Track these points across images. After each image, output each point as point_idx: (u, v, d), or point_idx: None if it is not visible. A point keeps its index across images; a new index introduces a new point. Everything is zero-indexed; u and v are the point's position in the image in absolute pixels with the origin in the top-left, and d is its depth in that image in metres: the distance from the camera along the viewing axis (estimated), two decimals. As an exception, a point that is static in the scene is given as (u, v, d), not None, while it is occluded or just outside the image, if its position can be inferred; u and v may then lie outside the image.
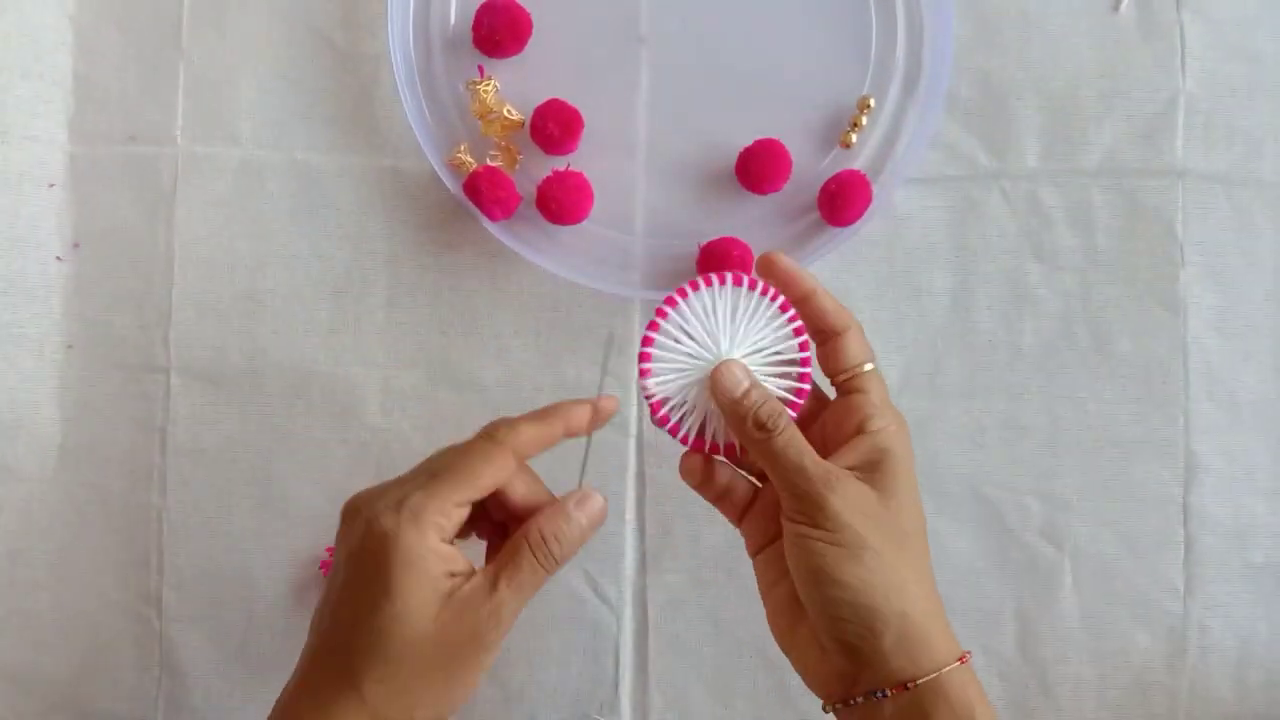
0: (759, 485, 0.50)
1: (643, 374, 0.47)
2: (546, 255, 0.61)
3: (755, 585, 0.50)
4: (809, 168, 0.62)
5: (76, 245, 0.62)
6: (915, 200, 0.62)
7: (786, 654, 0.48)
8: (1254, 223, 0.62)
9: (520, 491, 0.47)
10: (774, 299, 0.48)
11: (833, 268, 0.62)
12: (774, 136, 0.61)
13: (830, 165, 0.62)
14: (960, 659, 0.44)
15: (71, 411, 0.62)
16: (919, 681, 0.43)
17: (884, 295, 0.62)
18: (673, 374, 0.48)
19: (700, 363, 0.47)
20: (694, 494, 0.51)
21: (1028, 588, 0.62)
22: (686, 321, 0.47)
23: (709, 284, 0.47)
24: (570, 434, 0.47)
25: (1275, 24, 0.63)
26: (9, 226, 0.61)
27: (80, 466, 0.62)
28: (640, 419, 0.62)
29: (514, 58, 0.62)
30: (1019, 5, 0.62)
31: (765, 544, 0.49)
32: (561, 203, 0.60)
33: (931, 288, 0.62)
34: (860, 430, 0.47)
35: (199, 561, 0.62)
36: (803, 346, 0.48)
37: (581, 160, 0.62)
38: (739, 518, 0.50)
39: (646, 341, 0.47)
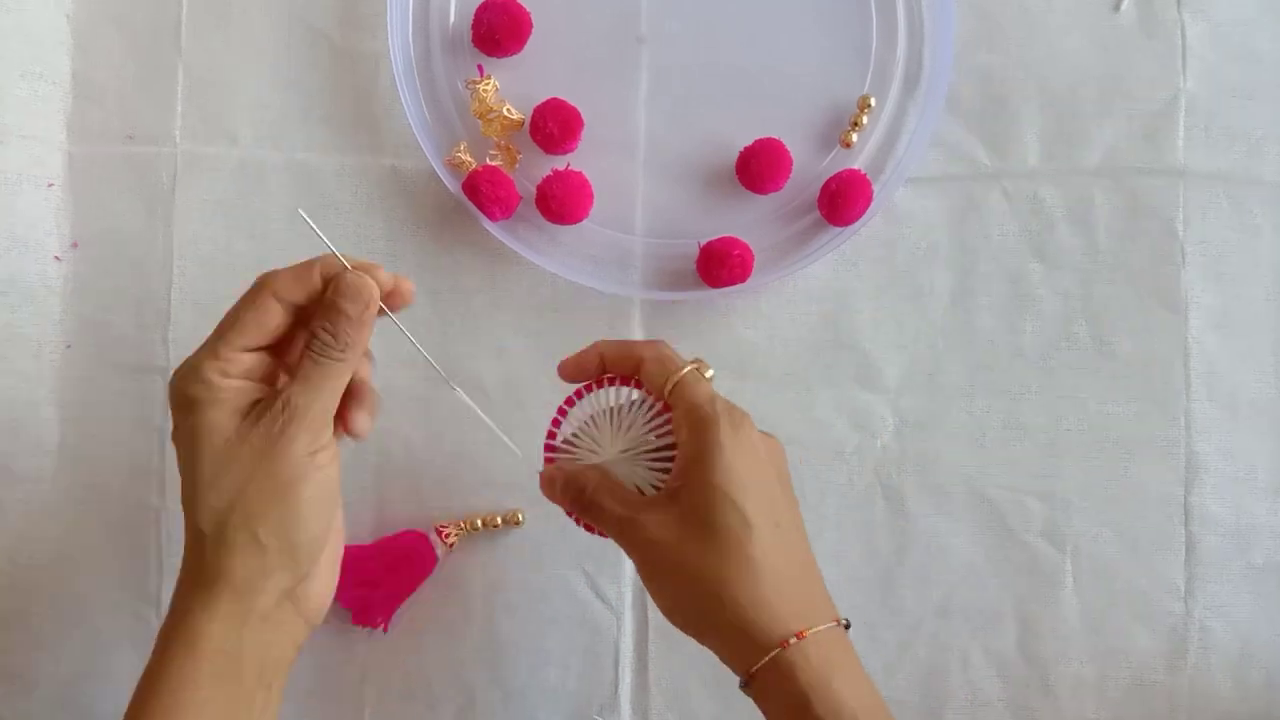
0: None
1: (546, 461, 0.52)
2: (546, 255, 0.61)
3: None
4: (809, 167, 0.62)
5: (75, 245, 0.62)
6: (916, 200, 0.62)
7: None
8: (1255, 222, 0.62)
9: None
10: (611, 383, 0.51)
11: (833, 268, 0.62)
12: (774, 136, 0.61)
13: (831, 165, 0.62)
14: (782, 643, 0.45)
15: (70, 411, 0.62)
16: (753, 670, 0.46)
17: (884, 295, 0.62)
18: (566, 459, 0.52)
19: (590, 455, 0.51)
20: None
21: (1028, 588, 0.62)
22: (577, 426, 0.52)
23: (594, 388, 0.51)
24: (325, 274, 0.47)
25: (1275, 24, 0.63)
26: (8, 226, 0.61)
27: (79, 467, 0.62)
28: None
29: (514, 57, 0.62)
30: (1020, 4, 0.62)
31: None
32: (561, 202, 0.60)
33: (932, 287, 0.62)
34: (679, 443, 0.49)
35: (198, 562, 0.62)
36: (664, 408, 0.50)
37: (581, 160, 0.62)
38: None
39: (551, 436, 0.52)
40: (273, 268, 0.63)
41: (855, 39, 0.62)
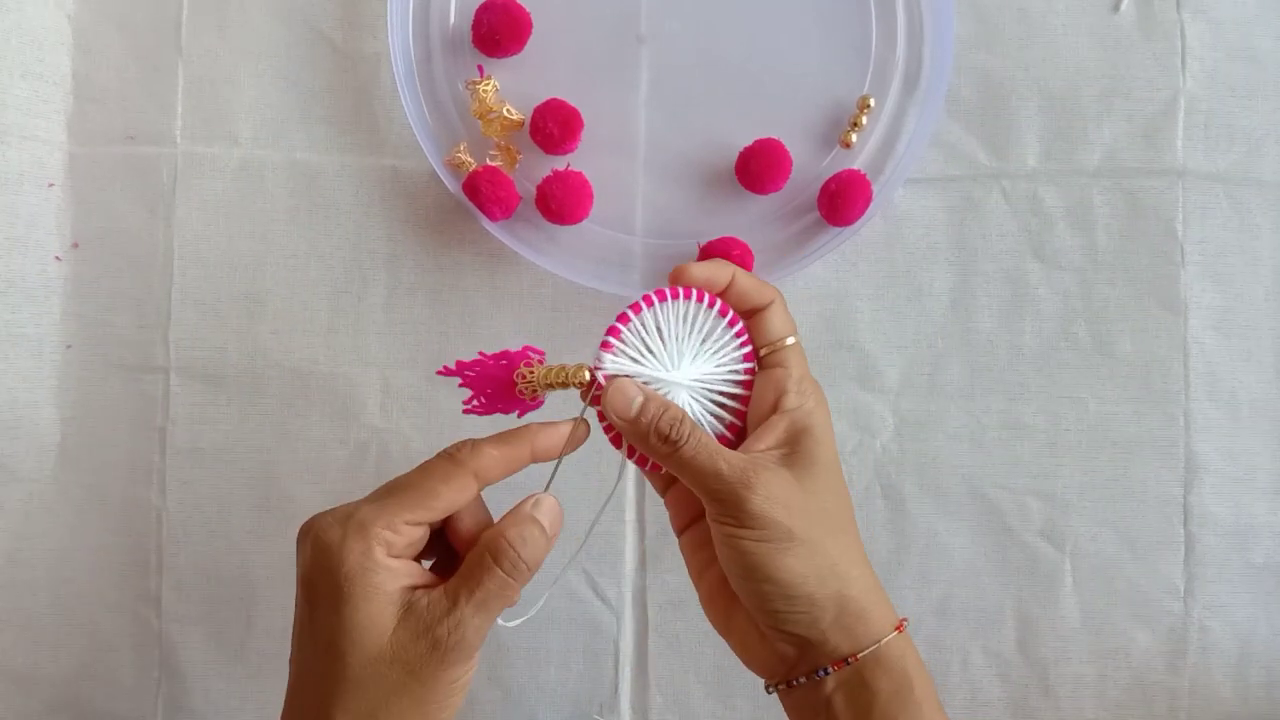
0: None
1: (605, 346, 0.46)
2: (546, 255, 0.61)
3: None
4: (809, 167, 0.62)
5: (76, 245, 0.62)
6: (915, 200, 0.62)
7: (724, 638, 0.48)
8: (1254, 222, 0.62)
9: (467, 521, 0.45)
10: (724, 314, 0.48)
11: (833, 268, 0.62)
12: (774, 136, 0.61)
13: (830, 165, 0.62)
14: (897, 627, 0.45)
15: (71, 411, 0.62)
16: (859, 655, 0.44)
17: (884, 295, 0.62)
18: (629, 368, 0.47)
19: (653, 372, 0.47)
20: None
21: (1028, 588, 0.62)
22: (648, 331, 0.47)
23: (675, 297, 0.47)
24: (538, 459, 0.45)
25: (1275, 24, 0.63)
26: (8, 226, 0.61)
27: (80, 466, 0.62)
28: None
29: (514, 57, 0.62)
30: (1019, 5, 0.62)
31: (688, 524, 0.49)
32: (561, 202, 0.60)
33: (931, 288, 0.62)
34: (777, 407, 0.46)
35: (199, 561, 0.62)
36: (748, 357, 0.49)
37: (581, 160, 0.62)
38: (664, 489, 0.50)
39: (613, 332, 0.46)
40: (272, 268, 0.63)
41: (855, 39, 0.62)
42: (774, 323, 0.48)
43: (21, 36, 0.61)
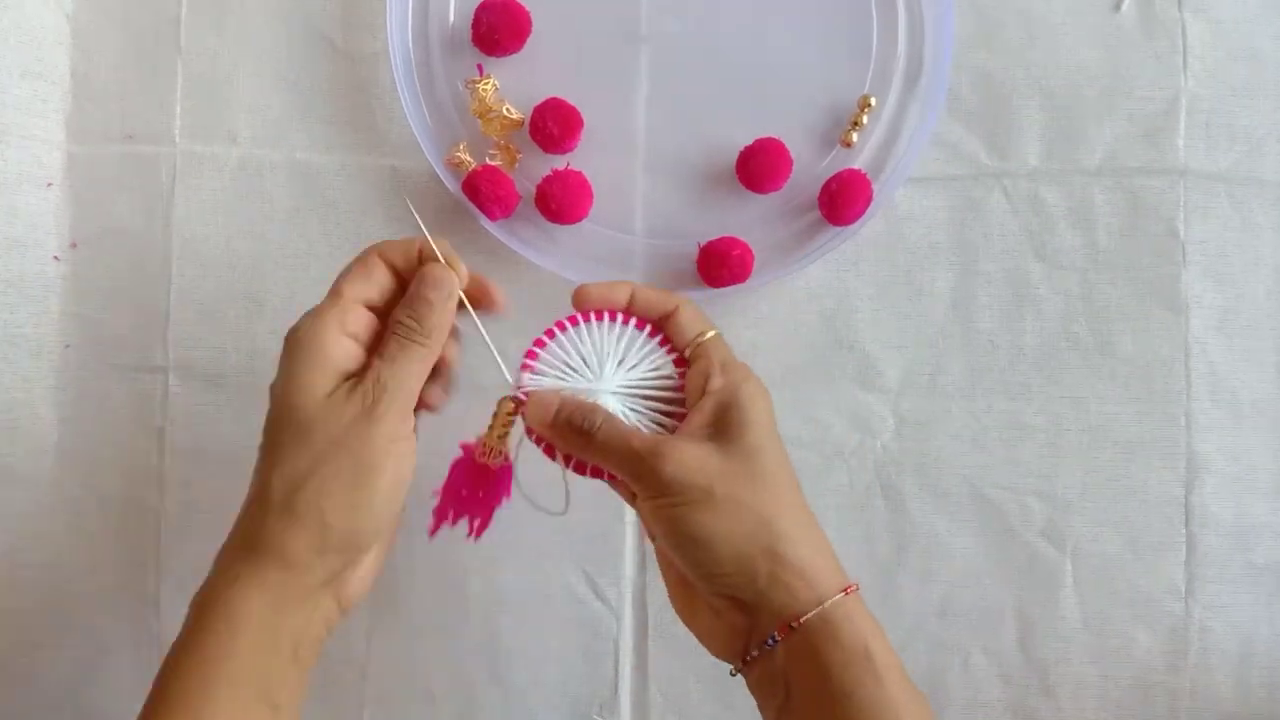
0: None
1: (524, 368, 0.49)
2: (546, 255, 0.61)
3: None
4: (809, 167, 0.62)
5: (74, 245, 0.62)
6: (916, 200, 0.62)
7: (690, 629, 0.49)
8: (1256, 222, 0.62)
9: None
10: (640, 326, 0.50)
11: (833, 267, 0.62)
12: (774, 136, 0.61)
13: (831, 164, 0.62)
14: (845, 590, 0.45)
15: (69, 411, 0.62)
16: (803, 619, 0.43)
17: (884, 295, 0.62)
18: (552, 384, 0.49)
19: (576, 384, 0.49)
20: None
21: (1028, 588, 0.62)
22: (567, 353, 0.49)
23: (586, 320, 0.50)
24: (421, 255, 0.48)
25: (1276, 24, 0.63)
26: (7, 226, 0.61)
27: (78, 467, 0.62)
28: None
29: (513, 56, 0.62)
30: (1020, 4, 0.62)
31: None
32: (561, 202, 0.60)
33: (932, 287, 0.62)
34: (703, 392, 0.48)
35: (198, 561, 0.61)
36: (677, 362, 0.50)
37: (581, 160, 0.62)
38: (630, 497, 0.50)
39: (531, 355, 0.49)
40: (271, 268, 0.63)
41: (855, 39, 0.62)
42: (686, 323, 0.50)
43: (20, 36, 0.61)
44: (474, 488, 0.51)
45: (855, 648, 0.43)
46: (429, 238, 0.48)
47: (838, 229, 0.61)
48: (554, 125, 0.60)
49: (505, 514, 0.61)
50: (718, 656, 0.48)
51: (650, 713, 0.62)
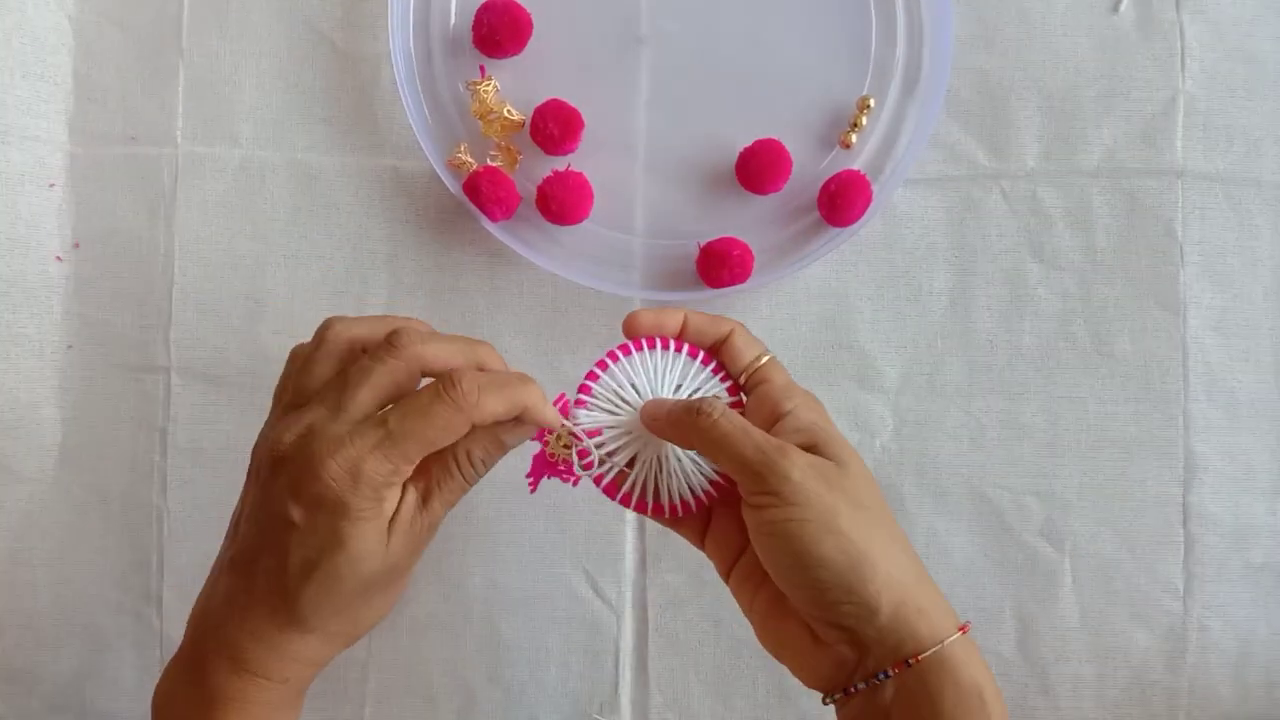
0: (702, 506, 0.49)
1: (579, 404, 0.48)
2: (546, 255, 0.61)
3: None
4: (809, 168, 0.62)
5: (76, 245, 0.62)
6: (915, 200, 0.63)
7: (780, 660, 0.46)
8: (1253, 223, 0.62)
9: None
10: (693, 355, 0.49)
11: (833, 268, 0.62)
12: (774, 136, 0.61)
13: (830, 165, 0.62)
14: (961, 628, 0.43)
15: (71, 411, 0.62)
16: (921, 656, 0.41)
17: (884, 295, 0.63)
18: (606, 419, 0.48)
19: (633, 418, 0.48)
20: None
21: (1028, 588, 0.62)
22: (621, 385, 0.48)
23: (639, 349, 0.49)
24: (530, 420, 0.45)
25: (1275, 24, 0.63)
26: (9, 226, 0.61)
27: (80, 466, 0.62)
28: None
29: (514, 58, 0.62)
30: (1019, 5, 0.62)
31: (734, 560, 0.48)
32: (561, 203, 0.60)
33: (931, 288, 0.63)
34: (776, 415, 0.46)
35: (199, 561, 0.61)
36: (731, 390, 0.49)
37: (581, 160, 0.62)
38: (700, 540, 0.49)
39: (584, 390, 0.48)
40: (273, 268, 0.63)
41: (855, 40, 0.62)
42: (741, 348, 0.49)
43: (23, 37, 0.61)
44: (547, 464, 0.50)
45: (970, 689, 0.41)
46: (569, 426, 0.47)
47: (837, 230, 0.61)
48: (554, 126, 0.60)
49: (505, 514, 0.62)
50: (811, 686, 0.45)
51: (650, 713, 0.62)
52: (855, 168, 0.61)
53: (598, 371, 0.49)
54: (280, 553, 0.43)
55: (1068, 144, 0.62)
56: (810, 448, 0.45)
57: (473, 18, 0.61)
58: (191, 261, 0.62)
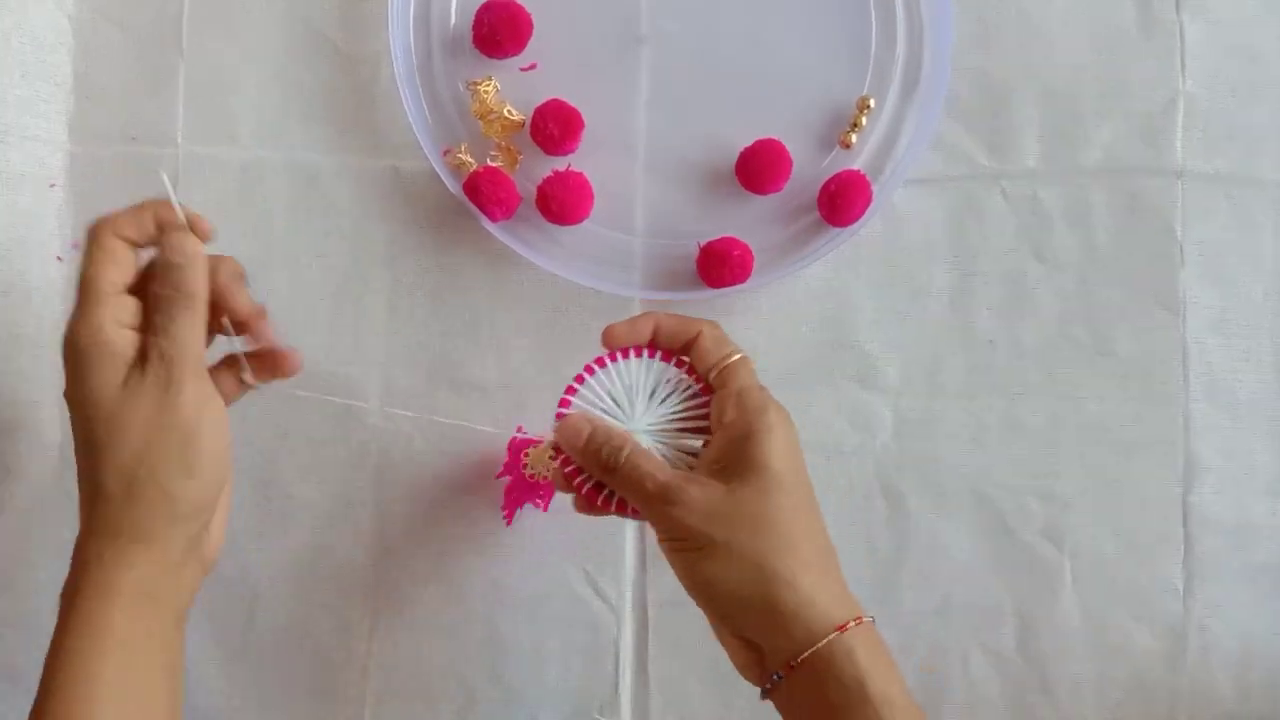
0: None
1: (560, 416, 0.50)
2: (546, 255, 0.61)
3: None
4: (809, 168, 0.62)
5: (76, 245, 0.62)
6: (915, 200, 0.63)
7: (726, 654, 0.49)
8: (1254, 222, 0.62)
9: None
10: (666, 359, 0.51)
11: (833, 268, 0.62)
12: (774, 136, 0.61)
13: (830, 165, 0.62)
14: (840, 628, 0.45)
15: (72, 411, 0.62)
16: (799, 659, 0.45)
17: (884, 295, 0.63)
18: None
19: (612, 422, 0.50)
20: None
21: (1028, 587, 0.62)
22: (599, 397, 0.50)
23: (613, 360, 0.51)
24: (159, 221, 0.48)
25: (1275, 24, 0.63)
26: (9, 226, 0.61)
27: (80, 466, 0.62)
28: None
29: (514, 58, 0.62)
30: (1018, 5, 0.62)
31: None
32: (562, 203, 0.60)
33: (931, 288, 0.63)
34: (720, 423, 0.48)
35: (199, 561, 0.62)
36: (704, 390, 0.50)
37: (581, 160, 0.62)
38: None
39: (564, 404, 0.50)
40: (273, 268, 0.63)
41: (855, 40, 0.62)
42: (708, 348, 0.50)
43: (23, 37, 0.61)
44: (522, 490, 0.57)
45: (853, 686, 0.44)
46: (175, 203, 0.48)
47: (837, 230, 0.61)
48: (555, 126, 0.60)
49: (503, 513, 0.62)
50: (749, 682, 0.48)
51: (650, 713, 0.62)
52: (855, 168, 0.61)
53: (576, 386, 0.51)
54: (72, 427, 0.47)
55: (1068, 144, 0.62)
56: (727, 459, 0.47)
57: (473, 18, 0.61)
58: (191, 261, 0.62)
